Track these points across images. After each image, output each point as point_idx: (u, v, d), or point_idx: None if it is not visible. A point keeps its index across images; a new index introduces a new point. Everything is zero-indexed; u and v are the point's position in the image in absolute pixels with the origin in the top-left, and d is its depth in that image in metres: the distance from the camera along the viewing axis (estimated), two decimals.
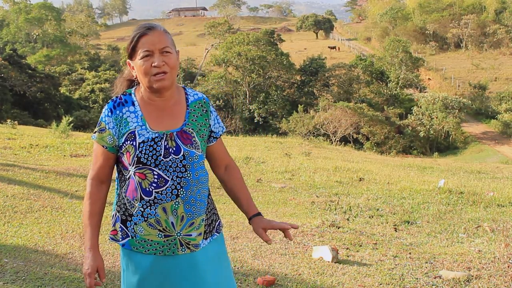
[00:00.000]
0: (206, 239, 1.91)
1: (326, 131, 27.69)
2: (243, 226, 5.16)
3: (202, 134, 1.91)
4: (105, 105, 1.89)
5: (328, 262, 4.03)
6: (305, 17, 71.28)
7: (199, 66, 44.69)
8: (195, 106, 1.93)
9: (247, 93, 34.96)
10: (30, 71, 32.44)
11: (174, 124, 1.86)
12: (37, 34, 56.03)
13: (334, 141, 26.18)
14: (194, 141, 1.86)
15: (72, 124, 13.58)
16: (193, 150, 1.85)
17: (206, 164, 1.98)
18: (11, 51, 33.86)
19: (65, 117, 13.54)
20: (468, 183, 8.62)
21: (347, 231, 5.04)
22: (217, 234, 1.98)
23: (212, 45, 44.82)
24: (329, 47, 53.85)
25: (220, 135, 1.99)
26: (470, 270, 3.84)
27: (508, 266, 3.89)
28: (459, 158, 25.50)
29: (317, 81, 35.93)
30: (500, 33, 48.30)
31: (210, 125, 1.95)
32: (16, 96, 29.33)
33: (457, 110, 29.63)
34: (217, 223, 1.99)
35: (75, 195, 6.13)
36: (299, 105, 31.55)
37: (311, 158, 12.57)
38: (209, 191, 1.96)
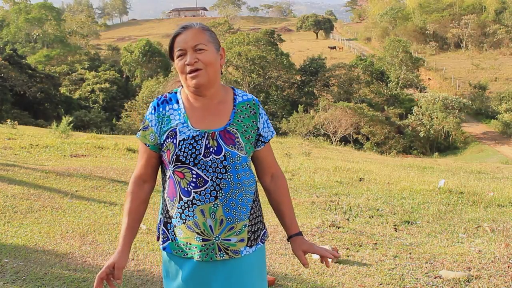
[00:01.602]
0: (250, 246, 1.82)
1: (326, 131, 27.70)
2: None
3: (248, 136, 1.82)
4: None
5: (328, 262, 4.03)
6: (305, 17, 71.31)
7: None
8: (242, 106, 1.85)
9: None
10: (30, 71, 32.47)
11: (218, 123, 1.79)
12: (37, 34, 56.06)
13: (334, 141, 26.20)
14: (238, 142, 1.78)
15: (72, 124, 13.60)
16: (236, 151, 1.77)
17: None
18: (11, 51, 33.87)
19: (65, 117, 13.56)
20: (468, 183, 8.62)
21: (347, 231, 5.04)
22: (261, 244, 1.88)
23: None
24: (329, 47, 53.88)
25: (269, 139, 1.90)
26: (470, 270, 3.84)
27: (508, 266, 3.89)
28: (459, 158, 25.50)
29: (317, 81, 35.95)
30: (500, 33, 48.33)
31: (258, 128, 1.86)
32: (16, 96, 29.35)
33: (457, 110, 29.64)
34: (262, 232, 1.89)
35: (75, 195, 6.13)
36: (299, 105, 31.57)
37: (311, 158, 12.57)
38: (256, 196, 1.86)
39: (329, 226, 5.18)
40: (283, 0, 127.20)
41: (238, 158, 1.78)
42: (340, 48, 55.04)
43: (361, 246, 4.55)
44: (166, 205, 1.82)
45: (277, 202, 1.94)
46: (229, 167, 1.76)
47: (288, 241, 1.95)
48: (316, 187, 7.87)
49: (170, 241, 1.81)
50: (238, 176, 1.77)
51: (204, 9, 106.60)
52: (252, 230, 1.83)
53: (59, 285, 3.41)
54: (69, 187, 6.52)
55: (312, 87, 35.67)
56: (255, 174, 1.92)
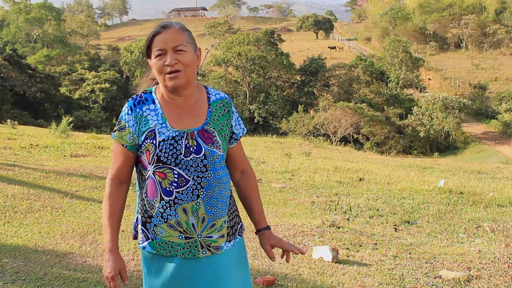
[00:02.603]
0: (229, 241, 1.87)
1: (326, 131, 27.70)
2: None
3: (224, 134, 1.86)
4: (125, 103, 1.86)
5: (328, 262, 4.03)
6: (305, 17, 71.29)
7: (199, 66, 44.63)
8: (216, 105, 1.88)
9: (247, 93, 34.97)
10: (30, 71, 32.48)
11: (195, 123, 1.82)
12: (37, 34, 56.05)
13: (334, 141, 26.19)
14: (216, 140, 1.82)
15: (72, 124, 13.58)
16: (215, 149, 1.81)
17: None
18: (11, 51, 33.88)
19: (65, 117, 13.54)
20: (468, 183, 8.62)
21: (347, 231, 5.04)
22: (239, 237, 1.93)
23: (212, 45, 44.85)
24: (329, 47, 53.88)
25: (241, 136, 1.95)
26: (470, 270, 3.84)
27: (508, 266, 3.89)
28: (459, 158, 25.50)
29: (317, 81, 35.94)
30: (500, 33, 48.32)
31: (231, 125, 1.90)
32: (16, 96, 29.35)
33: (457, 110, 29.63)
34: (239, 226, 1.95)
35: (75, 195, 6.13)
36: (299, 105, 31.55)
37: (311, 158, 12.57)
38: (231, 192, 1.91)
39: (329, 226, 5.18)
40: (283, 0, 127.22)
41: (217, 156, 1.82)
42: (340, 48, 55.04)
43: (361, 246, 4.55)
44: (145, 205, 1.83)
45: (247, 197, 1.99)
46: (209, 166, 1.79)
47: (256, 234, 2.00)
48: (316, 187, 7.87)
49: (150, 240, 1.82)
50: (218, 174, 1.82)
51: (204, 9, 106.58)
52: (230, 225, 1.89)
53: (59, 285, 3.41)
54: (69, 187, 6.51)
55: (312, 87, 35.66)
56: None
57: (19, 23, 57.08)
